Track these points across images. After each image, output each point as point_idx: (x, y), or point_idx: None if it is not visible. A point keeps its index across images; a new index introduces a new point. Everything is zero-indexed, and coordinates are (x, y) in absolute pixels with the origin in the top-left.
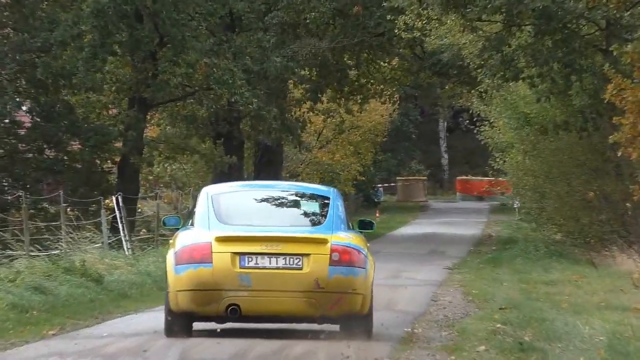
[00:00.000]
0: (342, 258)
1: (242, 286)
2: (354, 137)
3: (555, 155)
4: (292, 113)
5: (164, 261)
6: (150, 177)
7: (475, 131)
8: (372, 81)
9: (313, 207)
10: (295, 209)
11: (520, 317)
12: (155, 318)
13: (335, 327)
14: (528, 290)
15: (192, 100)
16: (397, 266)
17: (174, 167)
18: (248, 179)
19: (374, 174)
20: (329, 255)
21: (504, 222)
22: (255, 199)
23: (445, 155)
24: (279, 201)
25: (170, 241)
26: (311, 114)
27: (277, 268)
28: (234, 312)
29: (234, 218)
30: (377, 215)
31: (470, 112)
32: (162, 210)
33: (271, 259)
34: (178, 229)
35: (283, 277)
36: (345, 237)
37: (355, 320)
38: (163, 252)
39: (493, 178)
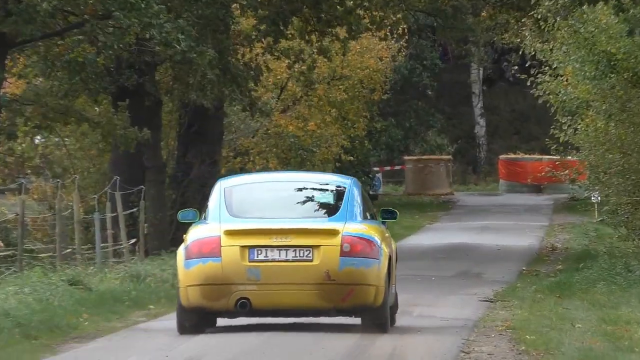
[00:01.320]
0: (354, 249)
1: (251, 280)
2: (336, 93)
3: None
4: (239, 56)
5: (32, 292)
6: (11, 159)
7: (528, 83)
8: (364, 3)
9: (327, 197)
10: (309, 200)
11: None
12: None
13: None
14: (616, 336)
15: (79, 37)
16: (407, 297)
17: (49, 143)
18: (169, 159)
19: (369, 152)
20: (339, 247)
21: (576, 227)
22: (269, 191)
23: (482, 122)
24: (292, 193)
25: (184, 236)
26: (269, 57)
27: (287, 260)
28: (243, 306)
29: (246, 211)
30: None
31: (521, 52)
32: (29, 210)
33: (280, 251)
34: (193, 223)
35: (293, 269)
36: (358, 228)
37: (369, 313)
38: (30, 279)
39: (557, 157)
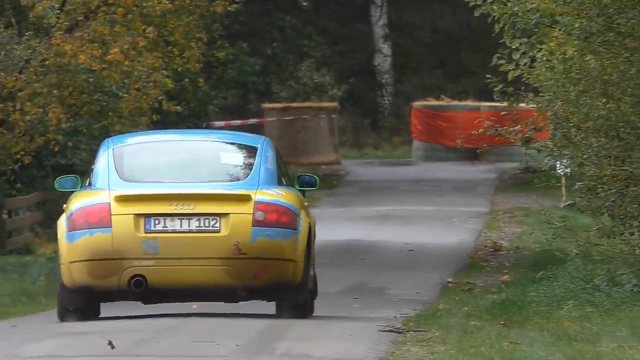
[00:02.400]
0: (268, 218)
1: (147, 254)
2: (154, 1)
3: None
4: None
5: None
6: None
7: None
8: None
9: (236, 159)
10: (214, 162)
11: None
12: None
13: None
14: None
15: None
16: (267, 326)
17: None
18: None
19: (207, 97)
20: (251, 215)
21: (532, 214)
22: (167, 152)
23: (386, 48)
24: (195, 153)
25: (64, 205)
26: None
27: (190, 231)
28: (138, 285)
29: (140, 174)
30: None
31: None
32: None
33: (182, 220)
34: (75, 191)
35: (197, 241)
36: (274, 194)
37: (286, 293)
38: None
39: (504, 104)
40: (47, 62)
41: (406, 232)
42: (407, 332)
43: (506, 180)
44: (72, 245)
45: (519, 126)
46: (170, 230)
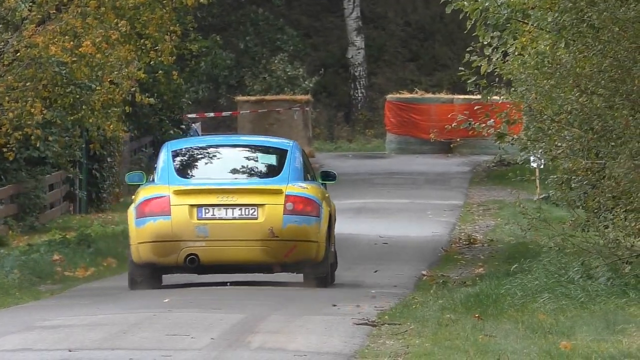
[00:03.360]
0: (296, 207)
1: (199, 237)
2: None
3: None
4: None
5: None
6: None
7: None
8: None
9: (270, 159)
10: (252, 162)
11: None
12: None
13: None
14: None
15: None
16: (241, 319)
17: None
18: None
19: (180, 90)
20: (283, 205)
21: (507, 207)
22: (214, 154)
23: (359, 41)
24: (237, 155)
25: (133, 196)
26: None
27: (233, 218)
28: (192, 262)
29: (193, 172)
30: None
31: None
32: None
33: (227, 210)
34: (141, 185)
35: (239, 227)
36: (300, 188)
37: (311, 268)
38: None
39: (477, 97)
40: (19, 54)
41: (381, 225)
42: (382, 325)
43: (480, 173)
44: (139, 229)
45: (492, 120)
46: (217, 218)
